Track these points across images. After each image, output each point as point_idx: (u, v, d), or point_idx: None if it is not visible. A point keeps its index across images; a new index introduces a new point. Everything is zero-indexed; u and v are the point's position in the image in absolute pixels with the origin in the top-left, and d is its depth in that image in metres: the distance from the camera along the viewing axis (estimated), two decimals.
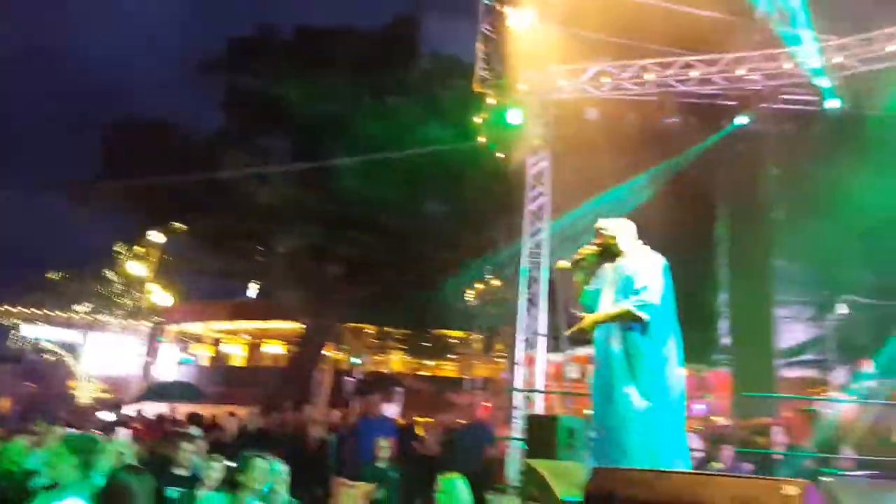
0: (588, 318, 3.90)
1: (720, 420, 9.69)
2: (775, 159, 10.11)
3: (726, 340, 11.86)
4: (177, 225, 22.67)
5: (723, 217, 11.29)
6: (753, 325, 11.01)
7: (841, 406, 9.11)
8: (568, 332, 4.15)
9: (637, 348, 3.81)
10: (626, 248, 4.04)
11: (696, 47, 9.65)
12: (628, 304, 3.74)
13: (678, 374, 3.89)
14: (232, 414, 8.58)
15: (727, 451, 7.21)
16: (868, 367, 9.10)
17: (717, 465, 6.86)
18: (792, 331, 10.41)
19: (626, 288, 3.85)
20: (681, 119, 9.69)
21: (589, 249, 4.05)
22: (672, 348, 3.87)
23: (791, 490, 1.74)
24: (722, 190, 10.64)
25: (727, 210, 11.18)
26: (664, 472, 2.01)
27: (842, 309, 9.78)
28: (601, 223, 4.11)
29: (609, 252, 4.05)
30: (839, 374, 9.65)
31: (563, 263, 4.08)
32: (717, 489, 1.82)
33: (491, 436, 7.93)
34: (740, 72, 9.38)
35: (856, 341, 9.93)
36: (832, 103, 9.32)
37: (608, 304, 3.92)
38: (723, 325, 12.02)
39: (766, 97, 9.64)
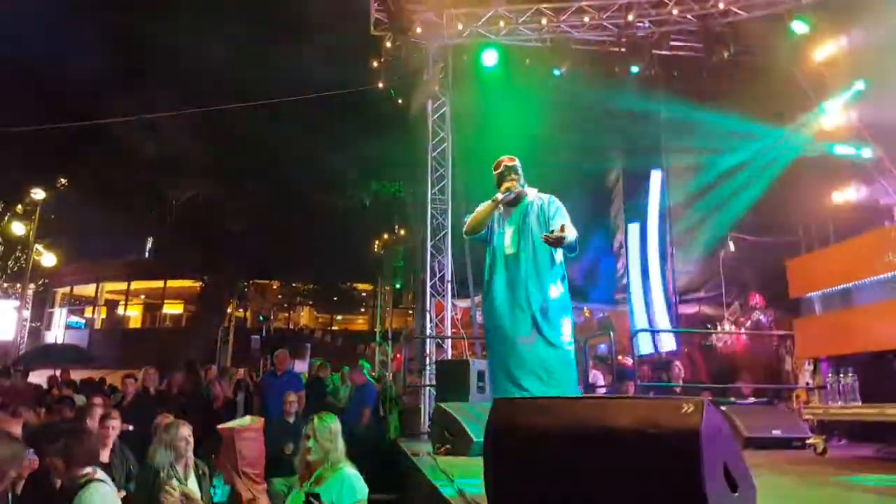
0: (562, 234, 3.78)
1: (623, 358, 10.22)
2: (666, 105, 10.45)
3: (625, 281, 12.45)
4: (60, 179, 20.81)
5: (617, 161, 11.67)
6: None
7: (733, 339, 9.82)
8: (501, 198, 4.06)
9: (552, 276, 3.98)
10: (527, 189, 4.25)
11: None
12: (573, 236, 3.82)
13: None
14: (129, 376, 8.04)
15: (630, 386, 7.59)
16: (756, 300, 9.85)
17: None
18: (685, 269, 11.03)
19: (546, 220, 4.01)
20: (573, 66, 9.80)
21: (517, 187, 4.14)
22: None
23: (690, 407, 1.73)
24: (615, 135, 10.90)
25: (621, 155, 11.56)
26: (568, 398, 1.99)
27: (730, 247, 10.46)
28: (515, 161, 4.23)
29: (519, 192, 4.18)
30: (731, 309, 10.39)
31: (501, 198, 4.09)
32: (622, 411, 1.80)
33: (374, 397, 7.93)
34: (630, 17, 9.57)
35: (743, 276, 10.69)
36: (716, 52, 9.68)
37: (522, 244, 4.03)
38: (621, 266, 12.59)
39: (655, 43, 9.88)
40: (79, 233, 24.12)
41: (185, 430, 4.32)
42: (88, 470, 3.44)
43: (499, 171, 4.23)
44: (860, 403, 4.49)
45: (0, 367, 10.61)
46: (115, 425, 4.62)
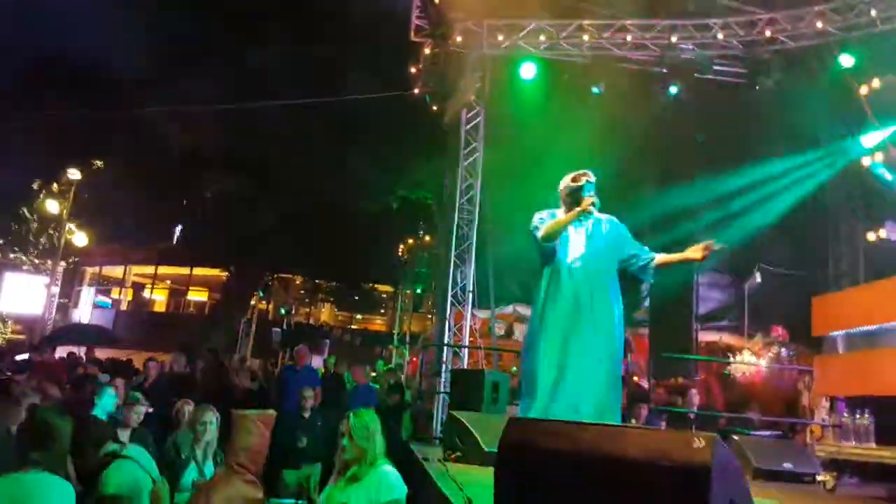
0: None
1: (640, 380, 10.16)
2: (703, 129, 10.39)
3: (647, 303, 12.36)
4: (96, 162, 21.36)
5: (650, 182, 11.61)
6: (674, 289, 11.50)
7: (752, 370, 9.72)
8: (588, 213, 4.10)
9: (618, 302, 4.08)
10: None
11: (634, 11, 9.75)
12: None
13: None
14: (151, 359, 8.27)
15: (643, 410, 7.56)
16: (778, 333, 9.75)
17: (632, 423, 7.19)
18: (710, 297, 10.94)
19: (615, 238, 4.14)
20: (613, 83, 9.79)
21: (593, 199, 4.11)
22: None
23: (700, 443, 1.78)
24: (650, 156, 10.86)
25: (656, 175, 11.49)
26: (581, 423, 2.05)
27: (757, 278, 10.36)
28: (593, 178, 4.19)
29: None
30: (753, 340, 10.29)
31: (586, 207, 4.07)
32: (632, 441, 1.85)
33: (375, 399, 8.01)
34: (674, 39, 9.55)
35: (768, 308, 10.57)
36: (763, 78, 9.64)
37: (591, 259, 4.08)
38: (644, 288, 12.52)
39: (698, 67, 9.84)
40: (111, 215, 24.72)
41: (208, 415, 4.42)
42: (114, 447, 3.58)
43: (578, 184, 4.14)
44: (874, 445, 4.46)
45: (31, 343, 10.96)
46: (140, 411, 4.76)
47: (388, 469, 3.27)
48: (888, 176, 9.11)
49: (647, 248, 4.22)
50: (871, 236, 9.68)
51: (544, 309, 4.03)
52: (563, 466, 1.91)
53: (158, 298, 29.73)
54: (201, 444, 4.35)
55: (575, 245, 4.10)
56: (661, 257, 4.20)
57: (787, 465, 5.43)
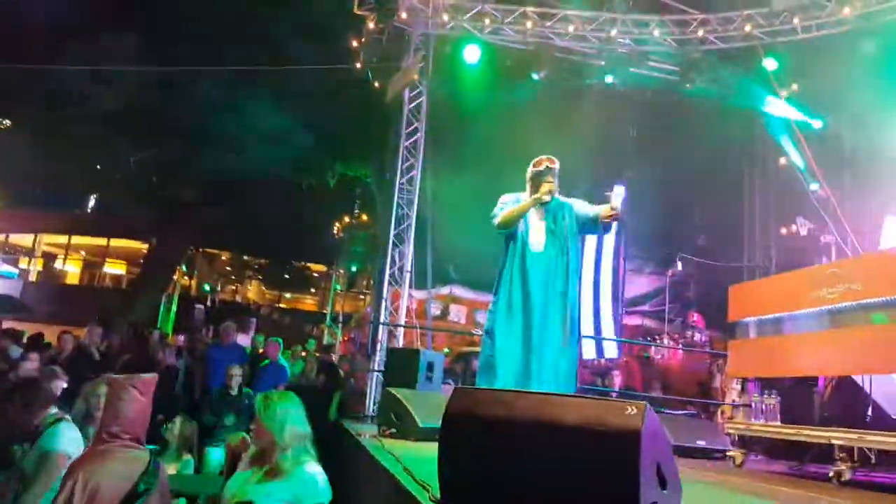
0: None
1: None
2: (634, 121, 10.77)
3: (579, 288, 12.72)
4: (3, 121, 19.85)
5: (584, 171, 11.90)
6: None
7: (669, 353, 10.24)
8: (546, 200, 4.21)
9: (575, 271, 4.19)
10: None
11: (577, 3, 9.97)
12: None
13: None
14: (66, 332, 7.83)
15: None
16: (694, 318, 10.32)
17: None
18: (636, 282, 11.43)
19: (574, 222, 4.26)
20: (552, 73, 9.99)
21: (552, 186, 4.23)
22: None
23: (633, 410, 1.88)
24: (584, 146, 11.15)
25: (588, 166, 11.78)
26: (522, 392, 2.12)
27: (678, 266, 10.91)
28: (556, 164, 4.30)
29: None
30: (673, 325, 10.85)
31: (542, 197, 4.19)
32: (569, 409, 1.93)
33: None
34: (613, 33, 9.84)
35: (687, 295, 11.17)
36: (690, 77, 10.10)
37: (550, 244, 4.19)
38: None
39: (633, 61, 10.17)
40: (21, 179, 23.07)
41: (102, 388, 4.07)
42: (55, 411, 3.40)
43: (539, 169, 4.26)
44: (780, 423, 4.82)
45: None
46: (59, 386, 4.49)
47: (315, 470, 2.97)
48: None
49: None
50: (783, 230, 10.37)
51: (507, 294, 4.10)
52: (503, 433, 1.98)
53: (72, 270, 28.07)
54: (92, 420, 4.03)
55: (535, 231, 4.20)
56: (602, 210, 4.31)
57: (701, 443, 5.80)
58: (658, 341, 10.71)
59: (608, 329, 10.85)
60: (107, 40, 16.24)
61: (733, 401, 7.90)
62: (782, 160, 10.15)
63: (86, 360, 7.23)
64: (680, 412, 8.68)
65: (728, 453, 5.31)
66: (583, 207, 4.34)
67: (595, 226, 4.31)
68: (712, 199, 11.25)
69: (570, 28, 9.85)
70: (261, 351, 9.42)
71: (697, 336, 10.37)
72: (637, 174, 10.70)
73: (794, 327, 4.76)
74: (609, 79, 10.21)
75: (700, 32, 9.85)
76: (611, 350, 11.08)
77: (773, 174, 10.72)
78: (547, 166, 4.24)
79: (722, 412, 8.37)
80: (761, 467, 5.28)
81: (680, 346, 10.23)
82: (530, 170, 4.30)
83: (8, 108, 18.74)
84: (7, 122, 20.01)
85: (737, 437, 5.22)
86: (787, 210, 10.25)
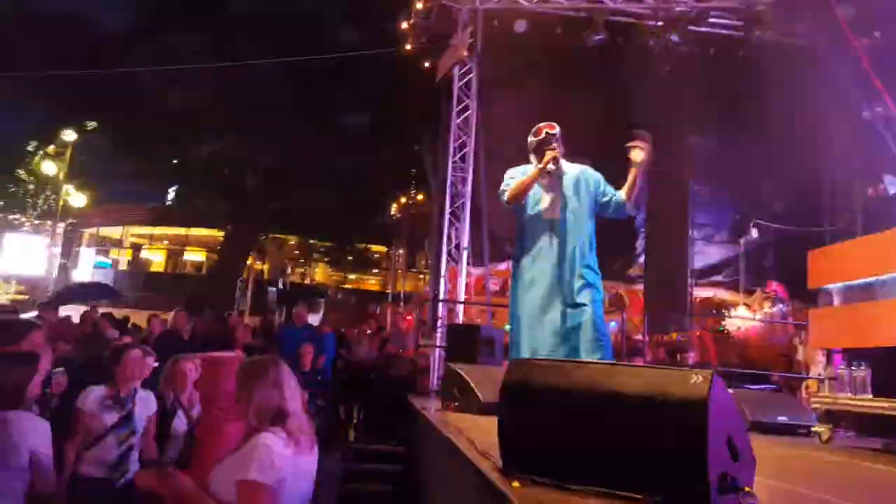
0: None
1: (634, 336, 10.22)
2: (697, 82, 10.21)
3: (642, 259, 12.36)
4: (90, 123, 21.14)
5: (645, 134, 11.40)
6: (669, 245, 11.47)
7: (747, 325, 9.78)
8: (551, 169, 4.01)
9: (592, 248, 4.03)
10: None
11: None
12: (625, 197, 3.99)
13: None
14: (155, 316, 8.34)
15: (638, 363, 7.64)
16: (773, 288, 9.76)
17: None
18: (706, 252, 10.90)
19: (586, 189, 4.05)
20: (608, 37, 9.61)
21: (557, 152, 4.04)
22: None
23: (699, 378, 1.77)
24: (642, 109, 10.72)
25: (648, 129, 11.26)
26: (580, 361, 2.04)
27: (753, 233, 10.32)
28: (556, 129, 4.11)
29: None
30: (750, 296, 10.30)
31: (552, 166, 4.01)
32: (631, 377, 1.84)
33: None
34: None
35: (763, 264, 10.56)
36: (757, 29, 9.49)
37: (567, 209, 4.03)
38: (639, 245, 12.50)
39: (693, 19, 9.67)
40: (108, 176, 24.63)
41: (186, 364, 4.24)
42: None
43: (539, 137, 4.09)
44: (871, 396, 4.49)
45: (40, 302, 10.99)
46: (150, 363, 4.72)
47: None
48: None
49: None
50: (869, 190, 9.62)
51: (523, 269, 4.01)
52: (563, 401, 1.91)
53: (156, 258, 29.83)
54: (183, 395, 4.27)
55: (546, 202, 4.06)
56: (623, 190, 4.09)
57: (782, 418, 5.49)
58: (734, 313, 10.25)
59: (678, 299, 10.45)
60: (175, 40, 16.91)
61: (818, 374, 7.49)
62: (865, 113, 9.39)
63: (174, 341, 7.63)
64: (760, 386, 8.29)
65: (813, 429, 5.01)
66: (601, 186, 4.13)
67: (611, 210, 4.08)
68: (788, 161, 10.57)
69: None
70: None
71: (778, 307, 9.84)
72: (703, 137, 10.17)
73: (885, 292, 4.42)
74: (674, 37, 9.70)
75: None
76: (683, 323, 10.71)
77: (856, 130, 9.94)
78: (547, 132, 4.06)
79: (806, 386, 7.95)
80: (851, 443, 4.96)
81: (756, 317, 9.76)
82: (531, 140, 4.14)
83: (93, 110, 19.88)
84: (94, 124, 21.27)
85: (823, 413, 4.91)
86: (873, 168, 9.50)
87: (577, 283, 3.85)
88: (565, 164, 4.14)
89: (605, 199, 4.09)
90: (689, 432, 1.72)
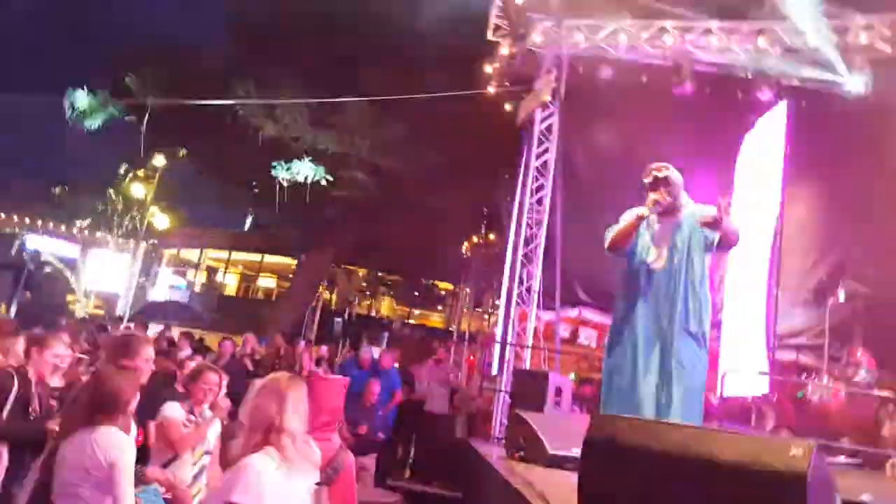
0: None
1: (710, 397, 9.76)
2: (790, 136, 9.90)
3: (719, 317, 11.85)
4: (181, 150, 22.51)
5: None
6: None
7: (830, 393, 9.19)
8: (647, 214, 3.79)
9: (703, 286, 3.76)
10: (685, 201, 3.91)
11: (719, 15, 9.47)
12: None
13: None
14: (227, 338, 8.69)
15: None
16: (857, 355, 9.16)
17: None
18: (788, 313, 10.38)
19: (705, 234, 3.74)
20: (695, 88, 9.51)
21: (663, 196, 3.80)
22: None
23: (798, 451, 1.70)
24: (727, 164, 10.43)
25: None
26: (670, 423, 1.99)
27: (840, 297, 9.76)
28: (670, 171, 3.88)
29: (671, 204, 3.87)
30: (833, 362, 9.69)
31: (642, 211, 3.79)
32: (726, 444, 1.79)
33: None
34: (761, 43, 9.18)
35: (851, 330, 9.94)
36: (854, 85, 9.17)
37: (674, 260, 3.78)
38: (719, 300, 12.01)
39: (783, 72, 9.45)
40: (190, 201, 26.03)
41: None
42: None
43: (647, 179, 3.86)
44: None
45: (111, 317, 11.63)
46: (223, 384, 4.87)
47: None
48: None
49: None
50: None
51: (626, 313, 3.82)
52: (650, 464, 1.87)
53: (230, 282, 31.04)
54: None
55: (648, 247, 3.84)
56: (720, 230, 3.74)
57: (866, 497, 5.11)
58: (815, 379, 9.65)
59: (759, 362, 9.93)
60: (265, 74, 17.88)
61: None
62: None
63: (241, 365, 7.92)
64: (840, 459, 7.73)
65: None
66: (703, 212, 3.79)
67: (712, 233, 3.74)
68: (883, 221, 10.01)
69: (713, 41, 9.34)
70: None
71: (863, 375, 9.20)
72: (792, 189, 9.81)
73: None
74: (760, 93, 9.55)
75: (863, 38, 8.91)
76: (760, 386, 10.14)
77: None
78: (654, 175, 3.82)
79: (893, 465, 7.36)
80: None
81: (841, 386, 9.15)
82: (640, 180, 3.92)
83: (183, 139, 21.11)
84: (185, 151, 22.60)
85: None
86: None
87: (675, 336, 3.62)
88: (690, 208, 3.85)
89: (711, 241, 3.79)
90: None
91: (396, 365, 9.24)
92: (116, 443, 2.62)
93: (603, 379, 3.90)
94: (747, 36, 9.26)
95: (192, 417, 3.83)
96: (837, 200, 9.76)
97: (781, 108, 9.76)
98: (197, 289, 29.53)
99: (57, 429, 3.02)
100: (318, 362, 9.38)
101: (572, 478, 2.08)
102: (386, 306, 29.63)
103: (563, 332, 10.05)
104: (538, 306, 9.24)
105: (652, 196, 3.78)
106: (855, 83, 9.13)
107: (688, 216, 3.85)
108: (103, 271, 25.60)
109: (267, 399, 2.35)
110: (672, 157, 8.94)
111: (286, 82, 16.75)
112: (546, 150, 9.70)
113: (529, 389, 6.28)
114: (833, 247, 10.19)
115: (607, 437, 1.99)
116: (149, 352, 3.43)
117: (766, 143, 10.06)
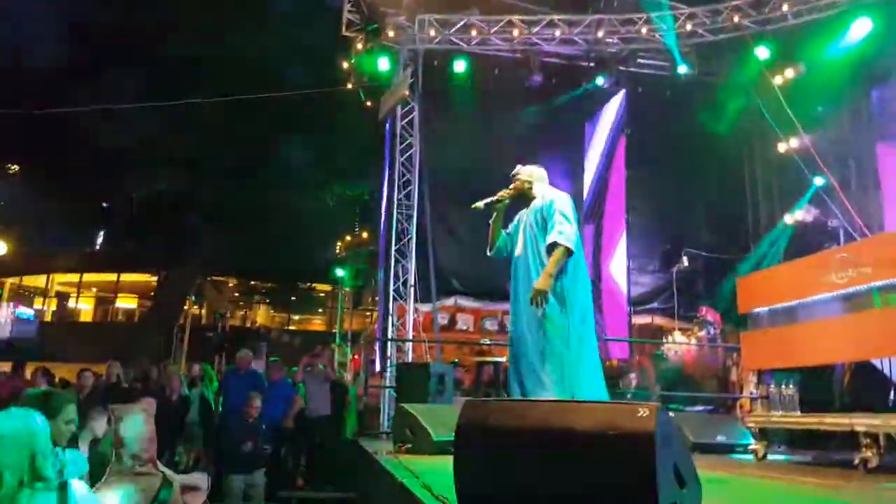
0: (544, 280, 3.71)
1: None
2: (629, 120, 10.79)
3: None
4: (12, 167, 20.18)
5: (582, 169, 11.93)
6: None
7: (683, 349, 10.17)
8: (479, 204, 4.03)
9: (568, 290, 3.82)
10: (540, 191, 4.14)
11: (561, 8, 10.10)
12: (555, 237, 3.77)
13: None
14: (86, 370, 7.91)
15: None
16: (703, 313, 10.24)
17: None
18: (641, 282, 11.34)
19: (543, 222, 3.96)
20: (543, 78, 10.09)
21: (505, 193, 4.11)
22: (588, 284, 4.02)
23: (646, 412, 1.86)
24: (579, 146, 11.15)
25: (584, 165, 11.80)
26: (534, 400, 2.11)
27: (684, 262, 10.84)
28: (517, 169, 4.18)
29: (523, 197, 4.15)
30: (683, 320, 10.74)
31: (478, 204, 4.06)
32: (582, 414, 1.92)
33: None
34: (600, 34, 9.92)
35: (695, 290, 11.08)
36: (682, 69, 10.18)
37: (527, 246, 4.00)
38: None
39: (622, 60, 10.28)
40: (32, 222, 23.37)
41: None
42: None
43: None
44: (799, 413, 4.76)
45: None
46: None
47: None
48: None
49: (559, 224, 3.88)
50: (787, 219, 10.30)
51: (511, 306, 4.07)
52: (515, 443, 1.97)
53: (85, 308, 28.31)
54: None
55: (520, 238, 4.12)
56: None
57: (721, 438, 5.74)
58: (670, 338, 10.63)
59: (620, 329, 10.78)
60: (108, 78, 16.46)
61: (751, 393, 7.83)
62: (781, 147, 10.12)
63: (105, 397, 7.26)
64: (698, 408, 8.60)
65: (750, 447, 5.25)
66: (549, 219, 4.00)
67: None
68: (713, 192, 11.21)
69: (557, 33, 9.93)
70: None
71: (710, 330, 10.28)
72: (634, 171, 10.70)
73: (806, 315, 4.72)
74: (600, 80, 10.33)
75: (688, 26, 9.89)
76: (621, 351, 11.04)
77: (774, 162, 10.69)
78: (510, 174, 4.22)
79: (741, 406, 8.28)
80: (784, 458, 5.22)
81: (693, 341, 10.16)
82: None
83: (14, 152, 18.99)
84: (15, 167, 20.29)
85: (757, 430, 5.16)
86: (791, 197, 10.21)
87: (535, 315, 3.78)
88: (539, 198, 4.06)
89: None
90: (639, 464, 1.81)
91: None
92: None
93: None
94: (588, 28, 9.93)
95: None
96: (673, 179, 10.78)
97: (620, 95, 10.65)
98: (47, 318, 26.68)
99: None
100: (192, 383, 8.81)
101: None
102: (262, 315, 28.52)
103: (442, 319, 10.25)
104: (415, 299, 9.34)
105: (500, 194, 4.11)
106: (683, 68, 10.13)
107: (534, 206, 4.11)
108: None
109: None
110: (526, 145, 9.45)
111: (130, 85, 15.53)
112: (410, 145, 9.81)
113: (412, 381, 6.37)
114: (673, 219, 11.27)
115: (475, 421, 2.07)
116: None
117: (608, 128, 10.93)
